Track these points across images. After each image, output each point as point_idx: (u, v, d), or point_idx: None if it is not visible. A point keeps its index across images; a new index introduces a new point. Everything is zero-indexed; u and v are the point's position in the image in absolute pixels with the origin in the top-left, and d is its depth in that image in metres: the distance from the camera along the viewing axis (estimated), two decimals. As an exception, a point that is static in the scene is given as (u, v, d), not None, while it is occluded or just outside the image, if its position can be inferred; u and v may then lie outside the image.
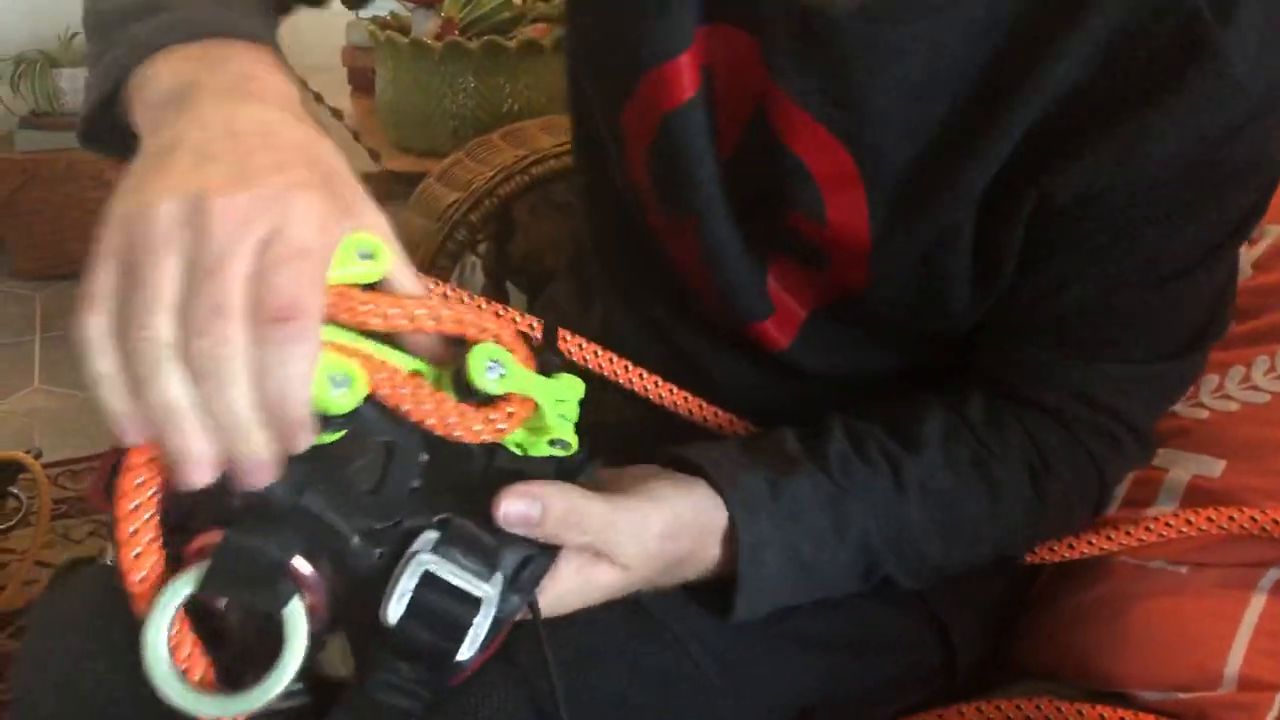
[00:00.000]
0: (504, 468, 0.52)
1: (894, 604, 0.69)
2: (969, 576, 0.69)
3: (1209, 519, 0.71)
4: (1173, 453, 0.77)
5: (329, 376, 0.43)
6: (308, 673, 0.45)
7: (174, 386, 0.40)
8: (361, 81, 2.08)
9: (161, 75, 0.49)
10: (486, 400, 0.48)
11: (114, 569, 0.46)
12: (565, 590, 0.55)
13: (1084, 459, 0.66)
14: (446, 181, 1.25)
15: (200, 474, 0.41)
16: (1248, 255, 0.83)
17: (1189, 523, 0.71)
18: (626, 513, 0.55)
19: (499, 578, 0.49)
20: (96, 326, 0.41)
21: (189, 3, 0.53)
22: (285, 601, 0.44)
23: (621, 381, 0.64)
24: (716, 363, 0.74)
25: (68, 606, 0.62)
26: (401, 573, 0.47)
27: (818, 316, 0.69)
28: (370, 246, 0.46)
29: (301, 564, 0.46)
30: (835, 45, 0.57)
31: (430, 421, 0.47)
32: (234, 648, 0.46)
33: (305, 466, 0.45)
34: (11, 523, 1.61)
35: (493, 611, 0.48)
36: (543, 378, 0.51)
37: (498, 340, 0.49)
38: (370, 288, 0.47)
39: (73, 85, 2.49)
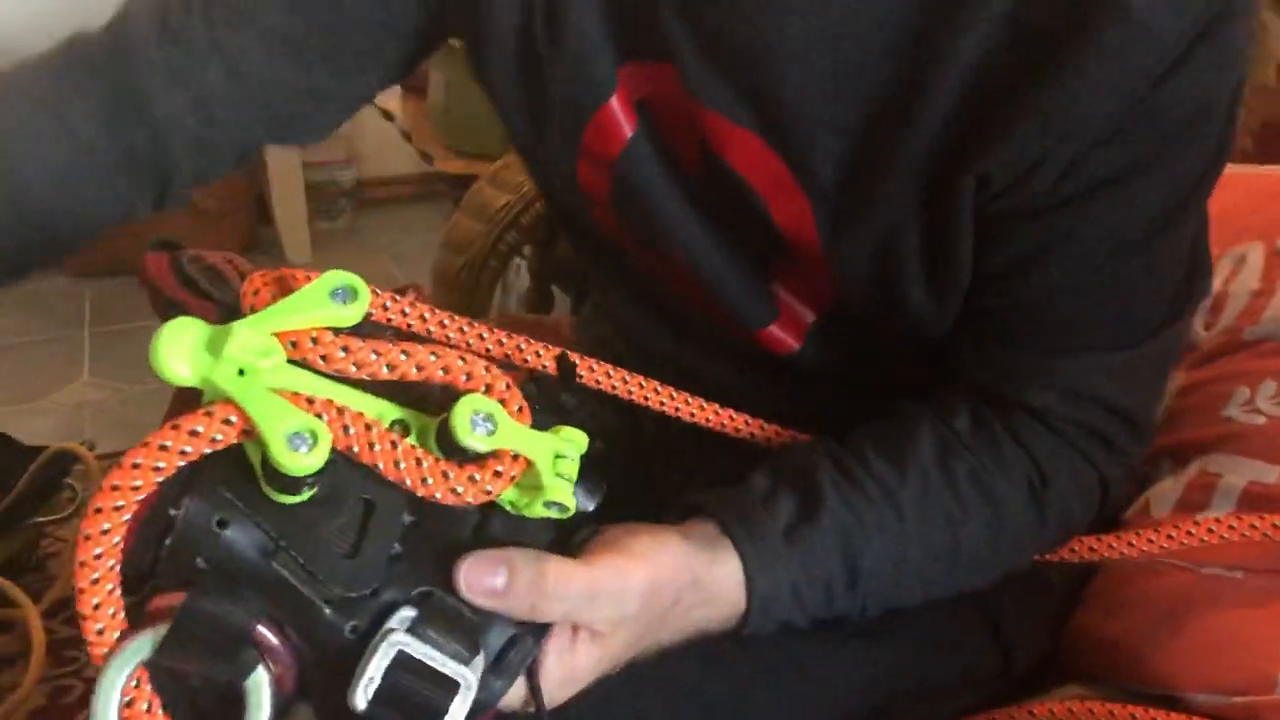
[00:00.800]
0: (493, 534, 0.48)
1: (948, 604, 0.68)
2: (1022, 579, 0.69)
3: (1252, 525, 0.71)
4: (1228, 458, 0.77)
5: (290, 436, 0.40)
6: None
7: None
8: (413, 83, 2.10)
9: None
10: (474, 458, 0.45)
11: None
12: (551, 684, 0.50)
13: (1080, 463, 0.65)
14: (498, 184, 1.27)
15: None
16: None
17: (1232, 528, 0.71)
18: (603, 571, 0.51)
19: (480, 660, 0.46)
20: None
21: None
22: (248, 672, 0.42)
23: (653, 405, 0.62)
24: (723, 378, 0.73)
25: None
26: (372, 654, 0.43)
27: (825, 319, 0.69)
28: (349, 285, 0.44)
29: (267, 632, 0.43)
30: (742, 53, 0.58)
31: (406, 482, 0.44)
32: (199, 707, 0.44)
33: (276, 528, 0.43)
34: (67, 513, 1.64)
35: (471, 696, 0.44)
36: (538, 432, 0.47)
37: (489, 390, 0.46)
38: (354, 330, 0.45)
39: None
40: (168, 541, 0.42)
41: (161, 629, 0.42)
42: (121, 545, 0.42)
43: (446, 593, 0.46)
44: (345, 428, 0.43)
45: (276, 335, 0.43)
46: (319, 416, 0.42)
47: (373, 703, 0.43)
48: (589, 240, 0.76)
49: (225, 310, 0.47)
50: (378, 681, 0.43)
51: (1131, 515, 0.81)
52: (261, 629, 0.43)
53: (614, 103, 0.63)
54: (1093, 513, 0.68)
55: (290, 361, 0.43)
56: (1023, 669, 0.75)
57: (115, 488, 0.41)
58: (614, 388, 0.60)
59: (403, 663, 0.43)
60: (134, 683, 0.42)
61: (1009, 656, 0.74)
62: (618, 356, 0.63)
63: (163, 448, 0.41)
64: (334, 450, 0.42)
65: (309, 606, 0.43)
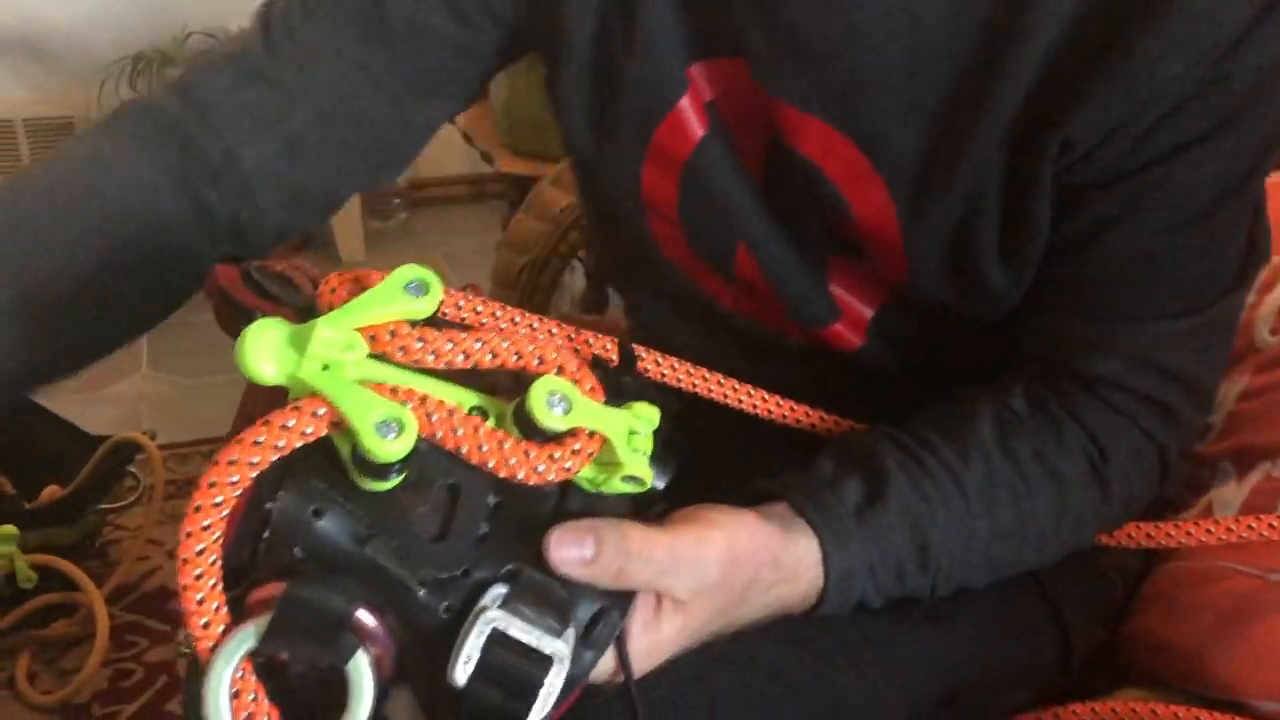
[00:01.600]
0: (573, 510, 0.49)
1: (1012, 591, 0.68)
2: (1083, 571, 0.69)
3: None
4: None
5: (378, 424, 0.42)
6: (372, 713, 0.44)
7: None
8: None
9: None
10: (551, 437, 0.46)
11: None
12: (637, 654, 0.51)
13: (1140, 439, 0.65)
14: (561, 185, 1.29)
15: None
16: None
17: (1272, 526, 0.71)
18: (684, 539, 0.51)
19: (571, 633, 0.47)
20: None
21: None
22: (349, 656, 0.43)
23: (715, 396, 0.62)
24: (785, 387, 0.71)
25: None
26: (468, 632, 0.44)
27: (883, 313, 0.69)
28: (421, 279, 0.45)
29: (366, 616, 0.44)
30: (815, 40, 0.58)
31: (490, 463, 0.45)
32: (299, 699, 0.45)
33: (368, 515, 0.44)
34: (129, 501, 1.67)
35: (565, 669, 0.45)
36: (612, 409, 0.48)
37: (561, 371, 0.47)
38: (428, 322, 0.46)
39: (185, 83, 2.57)
40: (265, 534, 0.44)
41: (264, 619, 0.43)
42: (221, 541, 0.42)
43: (534, 569, 0.47)
44: (429, 414, 0.44)
45: (356, 330, 0.45)
46: (403, 404, 0.43)
47: (471, 679, 0.44)
48: (635, 255, 0.76)
49: (301, 313, 0.48)
50: (475, 658, 0.44)
51: (1193, 518, 0.81)
52: (360, 613, 0.44)
53: (685, 103, 0.64)
54: (1153, 488, 0.68)
55: (370, 356, 0.45)
56: (1080, 662, 0.75)
57: (213, 485, 0.42)
58: (677, 380, 0.60)
59: (498, 639, 0.44)
60: (239, 674, 0.43)
61: (1068, 645, 0.74)
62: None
63: (256, 443, 0.42)
64: (419, 437, 0.43)
65: (403, 589, 0.45)
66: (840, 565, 0.57)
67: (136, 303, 0.69)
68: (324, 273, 0.53)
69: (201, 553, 0.42)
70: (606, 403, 0.48)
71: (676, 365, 0.60)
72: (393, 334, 0.45)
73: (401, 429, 0.42)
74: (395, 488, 0.45)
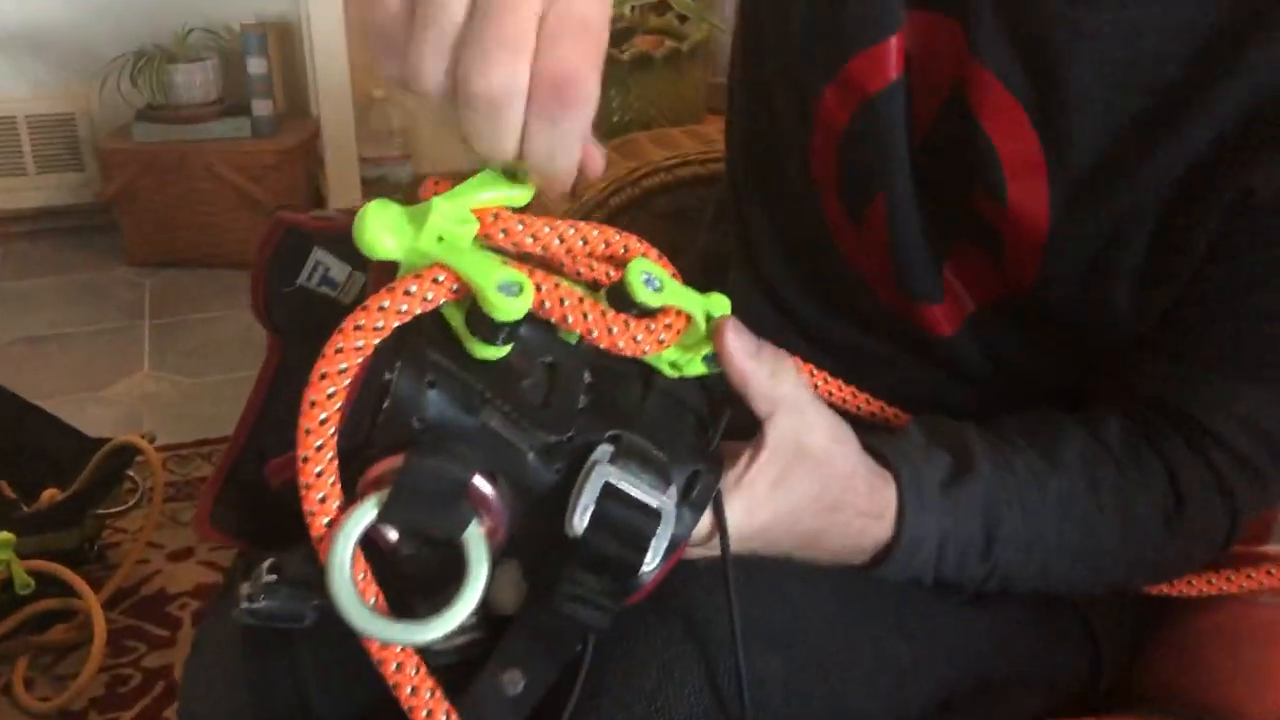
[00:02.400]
0: (663, 388, 0.52)
1: (1053, 599, 0.69)
2: (1117, 592, 0.69)
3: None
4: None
5: (500, 284, 0.43)
6: (479, 607, 0.45)
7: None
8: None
9: None
10: (644, 314, 0.49)
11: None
12: (733, 514, 0.53)
13: (1221, 500, 0.64)
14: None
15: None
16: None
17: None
18: (813, 403, 0.55)
19: (673, 491, 0.49)
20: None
21: None
22: (465, 525, 0.45)
23: None
24: (867, 357, 0.74)
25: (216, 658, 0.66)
26: (584, 483, 0.47)
27: (985, 311, 0.69)
28: (514, 168, 0.46)
29: (481, 483, 0.46)
30: (1038, 24, 0.58)
31: (594, 333, 0.47)
32: (405, 583, 0.46)
33: (479, 382, 0.46)
34: (129, 505, 1.67)
35: (671, 525, 0.48)
36: (695, 292, 0.51)
37: (645, 255, 0.50)
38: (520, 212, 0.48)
39: (187, 80, 2.57)
40: (385, 405, 0.45)
41: (382, 493, 0.44)
42: (342, 410, 0.44)
43: (633, 436, 0.49)
44: (538, 285, 0.45)
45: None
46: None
47: (589, 528, 0.47)
48: (772, 179, 0.77)
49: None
50: (592, 507, 0.47)
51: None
52: (477, 480, 0.45)
53: (893, 42, 0.64)
54: (1216, 549, 0.68)
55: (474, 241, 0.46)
56: (1107, 683, 0.75)
57: (340, 350, 0.43)
58: None
59: (610, 492, 0.47)
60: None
61: (1099, 661, 0.73)
62: (752, 317, 0.64)
63: (381, 309, 0.43)
64: (526, 314, 0.44)
65: (516, 453, 0.47)
66: (916, 528, 0.59)
67: None
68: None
69: (325, 421, 0.43)
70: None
71: None
72: (495, 216, 0.46)
73: (521, 289, 0.43)
74: (503, 358, 0.46)
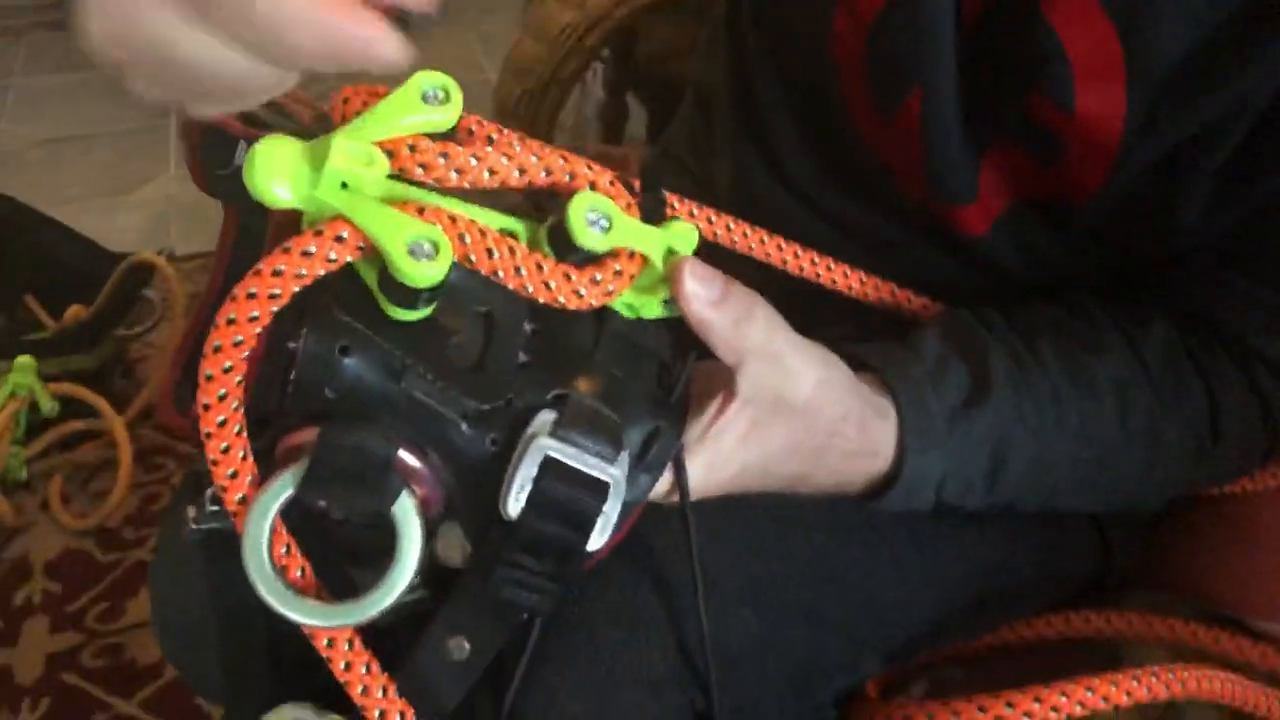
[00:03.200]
0: (618, 332, 0.46)
1: None
2: None
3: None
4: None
5: (410, 245, 0.38)
6: (423, 565, 0.42)
7: None
8: None
9: None
10: (589, 258, 0.43)
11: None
12: (694, 466, 0.49)
13: (1263, 425, 0.59)
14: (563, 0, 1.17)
15: None
16: None
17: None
18: (790, 345, 0.49)
19: (625, 457, 0.44)
20: None
21: None
22: (394, 498, 0.41)
23: (758, 255, 0.56)
24: (889, 244, 0.68)
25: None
26: (520, 461, 0.42)
27: (1018, 210, 0.62)
28: (440, 86, 0.41)
29: (408, 457, 0.42)
30: None
31: (529, 288, 0.42)
32: (337, 548, 0.43)
33: (400, 347, 0.41)
34: (149, 325, 1.67)
35: (621, 496, 0.44)
36: (652, 228, 0.45)
37: (594, 187, 0.44)
38: (444, 136, 0.42)
39: None
40: (292, 375, 0.41)
41: (299, 467, 0.40)
42: (243, 385, 0.40)
43: (582, 395, 0.44)
44: (461, 235, 0.40)
45: (374, 145, 0.40)
46: (433, 225, 0.39)
47: (525, 511, 0.42)
48: (785, 46, 0.69)
49: (301, 136, 0.43)
50: (529, 488, 0.42)
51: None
52: (402, 454, 0.41)
53: None
54: (1248, 472, 0.64)
55: (389, 176, 0.40)
56: (1117, 575, 0.72)
57: (231, 322, 0.38)
58: (714, 234, 0.54)
59: (550, 467, 0.42)
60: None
61: (1108, 560, 0.71)
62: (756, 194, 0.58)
63: (276, 273, 0.38)
64: (451, 261, 0.40)
65: (445, 423, 0.42)
66: (916, 469, 0.54)
67: None
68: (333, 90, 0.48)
69: (224, 398, 0.40)
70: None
71: (716, 217, 0.54)
72: (412, 148, 0.40)
73: (436, 250, 0.38)
74: (426, 318, 0.41)
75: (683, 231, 0.46)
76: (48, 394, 1.43)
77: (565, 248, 0.43)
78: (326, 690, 0.46)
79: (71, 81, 2.50)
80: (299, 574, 0.43)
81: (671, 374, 0.48)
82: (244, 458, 0.41)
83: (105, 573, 1.37)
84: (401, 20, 0.34)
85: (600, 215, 0.43)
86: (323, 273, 0.39)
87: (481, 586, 0.45)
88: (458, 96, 0.41)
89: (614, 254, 0.44)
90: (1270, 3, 0.49)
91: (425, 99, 0.41)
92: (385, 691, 0.44)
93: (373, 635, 0.45)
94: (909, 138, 0.61)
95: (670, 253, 0.46)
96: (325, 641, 0.44)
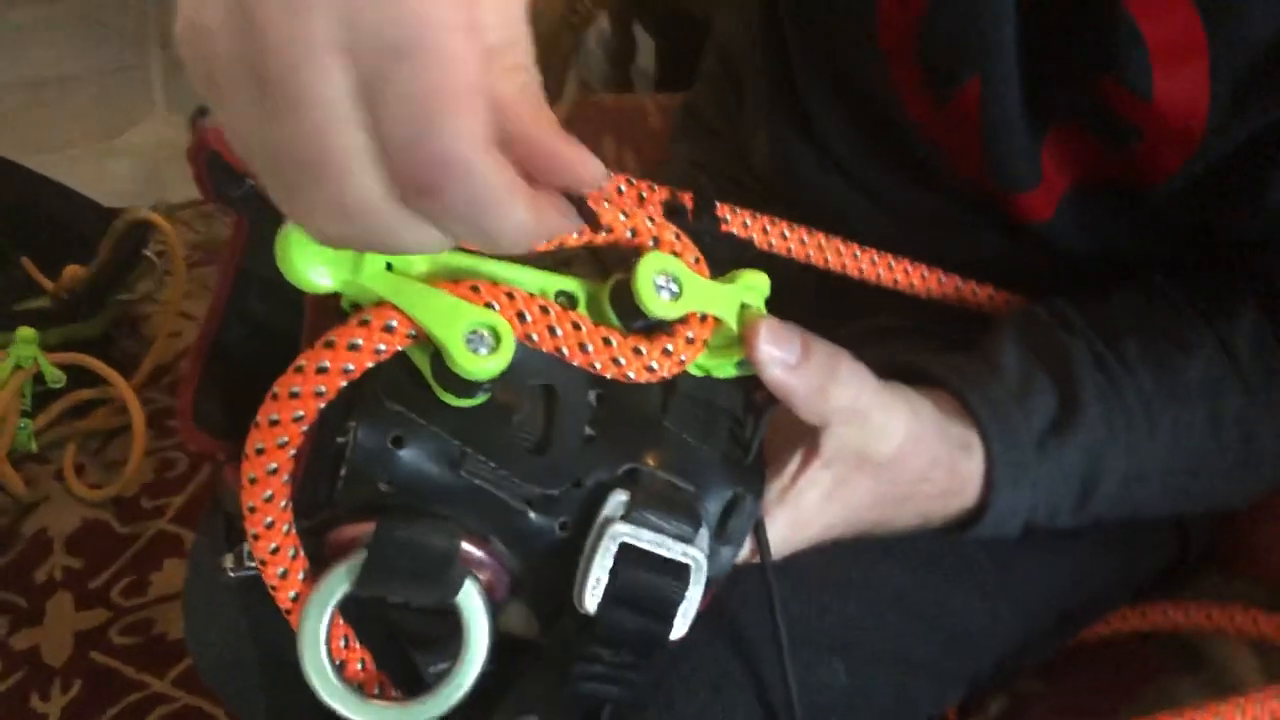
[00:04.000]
0: (688, 393, 0.43)
1: None
2: None
3: None
4: None
5: (467, 335, 0.35)
6: (490, 645, 0.40)
7: None
8: None
9: None
10: (657, 325, 0.41)
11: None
12: (776, 527, 0.46)
13: None
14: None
15: None
16: None
17: None
18: (878, 398, 0.46)
19: (705, 534, 0.42)
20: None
21: None
22: (457, 590, 0.39)
23: (798, 256, 0.53)
24: (946, 223, 0.63)
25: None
26: (593, 552, 0.40)
27: (1083, 191, 0.58)
28: None
29: (471, 548, 0.40)
30: None
31: (596, 365, 0.39)
32: (399, 629, 0.41)
33: (456, 433, 0.39)
34: (152, 287, 1.62)
35: (704, 576, 0.41)
36: (722, 284, 0.42)
37: (658, 244, 0.40)
38: None
39: None
40: (342, 472, 0.38)
41: (356, 560, 0.38)
42: (291, 483, 0.38)
43: (654, 468, 0.41)
44: (520, 314, 0.37)
45: None
46: (489, 306, 0.37)
47: (603, 605, 0.40)
48: (842, 42, 0.64)
49: None
50: (605, 580, 0.40)
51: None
52: (465, 546, 0.39)
53: None
54: None
55: None
56: (1195, 561, 0.70)
57: (275, 422, 0.37)
58: (769, 243, 0.50)
59: (626, 554, 0.40)
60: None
61: (1186, 548, 0.68)
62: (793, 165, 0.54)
63: (320, 370, 0.36)
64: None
65: (510, 511, 0.40)
66: (1005, 503, 0.51)
67: None
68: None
69: (270, 499, 0.38)
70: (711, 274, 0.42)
71: (753, 219, 0.50)
72: None
73: (496, 339, 0.36)
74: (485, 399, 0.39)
75: (754, 283, 0.43)
76: (52, 365, 1.39)
77: (631, 313, 0.40)
78: None
79: (44, 16, 2.39)
80: (359, 667, 0.41)
81: (745, 429, 0.44)
82: (294, 556, 0.40)
83: (126, 545, 1.34)
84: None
85: (669, 278, 0.40)
86: (370, 364, 0.36)
87: (556, 678, 0.42)
88: None
89: (684, 319, 0.40)
90: None
91: None
92: None
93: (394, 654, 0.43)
94: (966, 123, 0.57)
95: (744, 308, 0.42)
96: None
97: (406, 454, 0.38)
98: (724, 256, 0.46)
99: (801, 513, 0.46)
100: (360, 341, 0.36)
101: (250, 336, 0.46)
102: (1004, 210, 0.59)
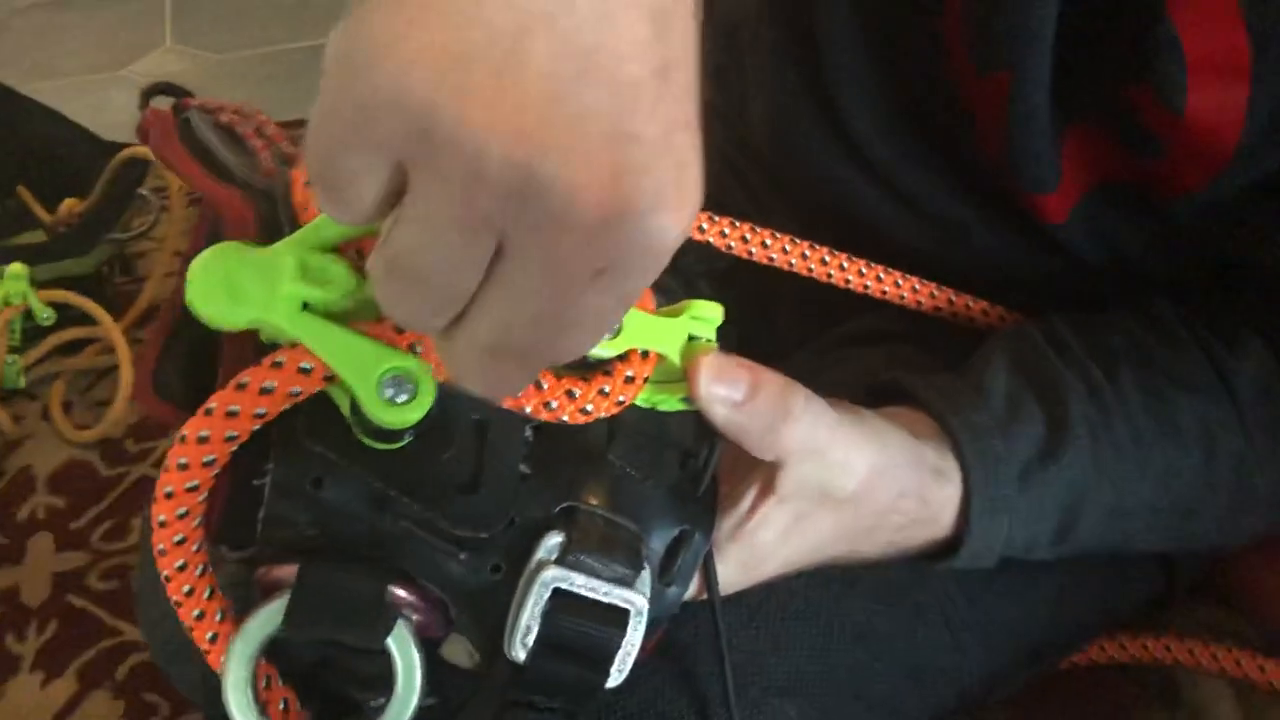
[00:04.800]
0: (633, 424, 0.41)
1: None
2: None
3: None
4: None
5: (384, 382, 0.34)
6: (426, 677, 0.39)
7: None
8: None
9: None
10: (595, 365, 0.39)
11: None
12: (727, 566, 0.45)
13: None
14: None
15: None
16: None
17: None
18: (837, 433, 0.44)
19: (646, 575, 0.40)
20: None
21: None
22: (386, 633, 0.37)
23: (780, 265, 0.51)
24: (960, 224, 0.61)
25: None
26: (524, 600, 0.38)
27: (1099, 195, 0.56)
28: None
29: (400, 591, 0.38)
30: None
31: (526, 409, 0.38)
32: (329, 674, 0.40)
33: (381, 474, 0.37)
34: (145, 229, 1.60)
35: (644, 621, 0.40)
36: (667, 318, 0.40)
37: None
38: None
39: None
40: (261, 515, 0.37)
41: (281, 601, 0.37)
42: (204, 525, 0.38)
43: (594, 506, 0.40)
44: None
45: (339, 249, 0.35)
46: (413, 349, 0.35)
47: (533, 654, 0.38)
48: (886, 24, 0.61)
49: (259, 198, 0.40)
50: (536, 630, 0.38)
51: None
52: (393, 588, 0.38)
53: None
54: None
55: (359, 270, 0.35)
56: (1180, 595, 0.68)
57: (183, 466, 0.36)
58: (749, 251, 0.49)
59: (561, 599, 0.38)
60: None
61: (1171, 584, 0.67)
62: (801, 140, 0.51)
63: (230, 414, 0.35)
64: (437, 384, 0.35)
65: (439, 555, 0.38)
66: (982, 533, 0.49)
67: None
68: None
69: (182, 542, 0.37)
70: (657, 304, 0.40)
71: (731, 228, 0.49)
72: None
73: (415, 387, 0.34)
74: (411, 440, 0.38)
75: (704, 314, 0.40)
76: (42, 302, 1.37)
77: None
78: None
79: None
80: (281, 707, 0.39)
81: (699, 459, 0.42)
82: (209, 596, 0.38)
83: (109, 488, 1.33)
84: None
85: None
86: (284, 407, 0.35)
87: (493, 716, 0.41)
88: None
89: (624, 356, 0.38)
90: None
91: None
92: None
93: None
94: (996, 107, 0.54)
95: (691, 340, 0.40)
96: None
97: (327, 496, 0.37)
98: (691, 268, 0.43)
99: (756, 551, 0.44)
100: (274, 385, 0.34)
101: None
102: (1018, 210, 0.57)
